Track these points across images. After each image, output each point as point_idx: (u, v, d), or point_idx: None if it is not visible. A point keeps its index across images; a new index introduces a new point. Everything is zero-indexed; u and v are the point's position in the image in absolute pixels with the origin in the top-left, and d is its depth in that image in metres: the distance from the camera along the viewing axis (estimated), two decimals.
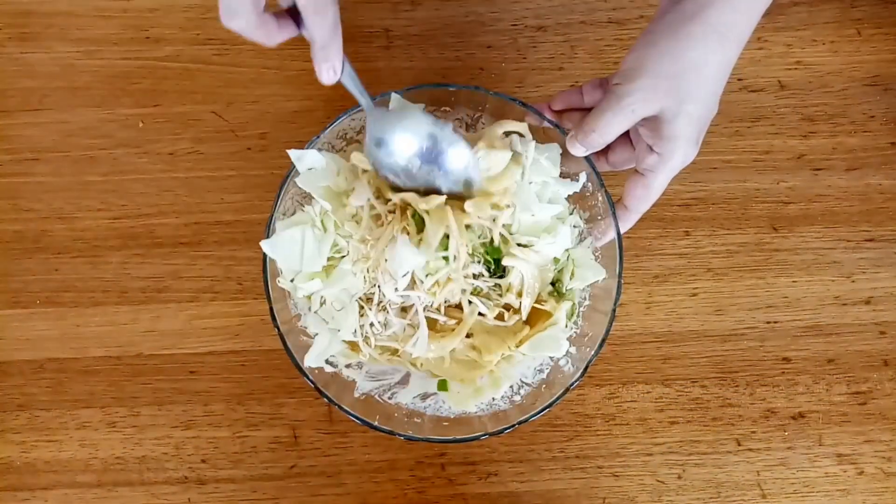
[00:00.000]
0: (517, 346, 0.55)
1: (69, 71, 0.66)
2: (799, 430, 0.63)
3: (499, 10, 0.67)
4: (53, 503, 0.62)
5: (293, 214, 0.56)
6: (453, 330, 0.54)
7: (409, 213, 0.52)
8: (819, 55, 0.67)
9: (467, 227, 0.52)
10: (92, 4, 0.67)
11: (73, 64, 0.66)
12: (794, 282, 0.65)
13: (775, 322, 0.65)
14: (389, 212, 0.53)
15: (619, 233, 0.53)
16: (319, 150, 0.54)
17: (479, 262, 0.54)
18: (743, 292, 0.65)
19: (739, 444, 0.63)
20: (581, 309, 0.57)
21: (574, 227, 0.57)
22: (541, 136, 0.56)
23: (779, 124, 0.67)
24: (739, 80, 0.67)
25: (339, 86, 0.66)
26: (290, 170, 0.53)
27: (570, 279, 0.56)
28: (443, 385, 0.56)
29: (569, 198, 0.57)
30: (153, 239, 0.64)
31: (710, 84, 0.49)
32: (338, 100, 0.66)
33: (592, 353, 0.53)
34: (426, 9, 0.67)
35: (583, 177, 0.55)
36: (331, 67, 0.46)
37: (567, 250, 0.57)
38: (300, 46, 0.66)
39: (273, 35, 0.43)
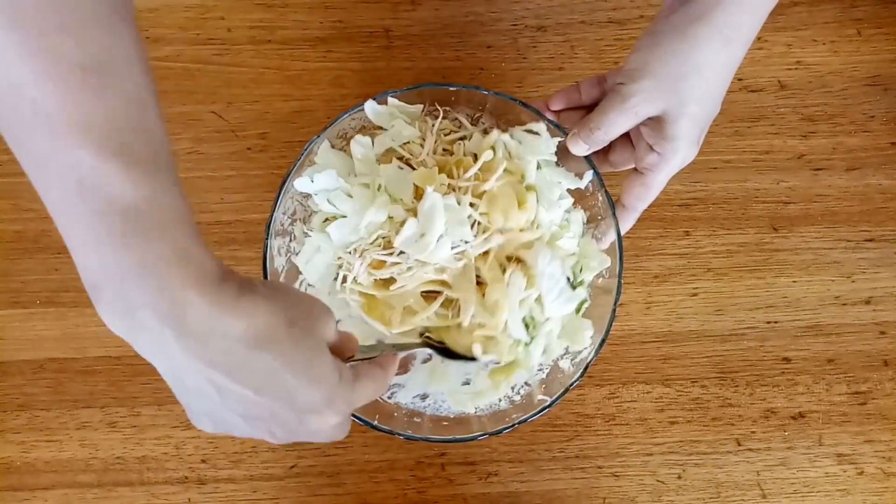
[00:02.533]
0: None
1: None
2: (799, 430, 0.63)
3: (499, 10, 0.67)
4: (53, 503, 0.62)
5: (293, 213, 0.56)
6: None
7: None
8: (819, 55, 0.67)
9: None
10: None
11: None
12: (794, 282, 0.65)
13: (775, 322, 0.65)
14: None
15: (619, 232, 0.53)
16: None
17: None
18: (743, 292, 0.65)
19: (739, 444, 0.63)
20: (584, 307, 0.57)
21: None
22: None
23: (779, 124, 0.67)
24: (739, 80, 0.67)
25: (339, 84, 0.66)
26: (290, 169, 0.53)
27: (581, 271, 0.56)
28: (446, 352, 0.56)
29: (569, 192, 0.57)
30: None
31: (714, 85, 0.49)
32: (338, 99, 0.66)
33: (593, 352, 0.53)
34: (426, 9, 0.67)
35: (588, 175, 0.55)
36: None
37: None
38: (300, 46, 0.67)
39: None
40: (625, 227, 0.54)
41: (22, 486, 0.62)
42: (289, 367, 0.35)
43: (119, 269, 0.32)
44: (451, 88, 0.55)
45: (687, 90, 0.48)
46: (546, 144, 0.54)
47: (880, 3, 0.68)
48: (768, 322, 0.65)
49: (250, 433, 0.37)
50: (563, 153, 0.56)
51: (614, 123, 0.49)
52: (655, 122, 0.49)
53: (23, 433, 0.62)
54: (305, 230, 0.57)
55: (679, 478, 0.63)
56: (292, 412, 0.36)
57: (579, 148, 0.52)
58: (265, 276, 0.53)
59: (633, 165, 0.54)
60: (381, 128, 0.57)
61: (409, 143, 0.57)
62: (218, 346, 0.33)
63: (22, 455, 0.62)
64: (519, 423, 0.53)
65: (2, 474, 0.62)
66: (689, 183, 0.66)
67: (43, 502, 0.62)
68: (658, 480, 0.63)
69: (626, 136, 0.54)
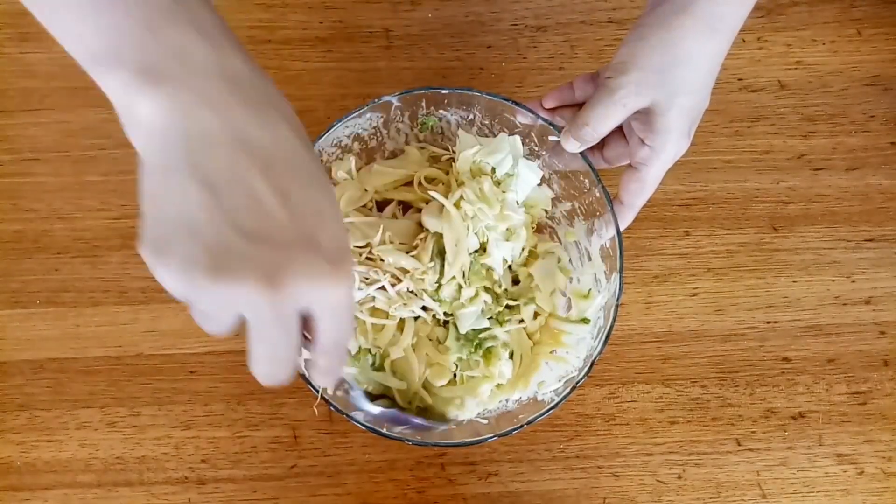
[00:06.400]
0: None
1: (69, 71, 0.66)
2: (799, 430, 0.63)
3: (499, 10, 0.67)
4: (53, 503, 0.62)
5: None
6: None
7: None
8: (819, 55, 0.67)
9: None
10: None
11: (73, 64, 0.65)
12: (794, 282, 0.65)
13: (775, 322, 0.65)
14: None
15: (618, 228, 0.53)
16: None
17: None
18: (743, 292, 0.65)
19: (739, 444, 0.63)
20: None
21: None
22: (536, 133, 0.57)
23: (779, 124, 0.67)
24: (739, 80, 0.67)
25: (340, 85, 0.66)
26: None
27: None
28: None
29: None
30: None
31: (701, 76, 0.49)
32: (338, 99, 0.66)
33: (597, 349, 0.53)
34: (426, 9, 0.67)
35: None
36: (331, 381, 0.39)
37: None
38: (300, 47, 0.67)
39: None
40: (624, 223, 0.54)
41: (22, 486, 0.62)
42: (302, 161, 0.32)
43: (138, 20, 0.29)
44: (444, 91, 0.55)
45: (674, 81, 0.48)
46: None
47: (880, 3, 0.68)
48: (768, 322, 0.65)
49: (245, 257, 0.30)
50: (558, 151, 0.56)
51: (603, 118, 0.49)
52: (645, 116, 0.50)
53: (23, 433, 0.62)
54: None
55: (679, 478, 0.63)
56: (299, 215, 0.31)
57: (571, 145, 0.52)
58: None
59: (628, 161, 0.54)
60: (373, 139, 0.58)
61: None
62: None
63: (22, 455, 0.62)
64: (527, 423, 0.53)
65: (2, 474, 0.62)
66: (689, 183, 0.66)
67: (43, 502, 0.62)
68: (658, 480, 0.63)
69: (619, 132, 0.54)
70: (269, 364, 0.34)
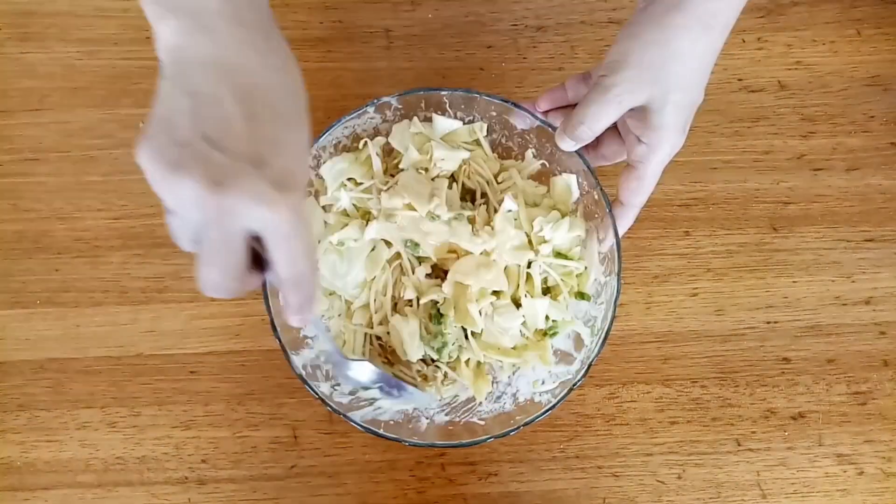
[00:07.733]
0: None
1: (69, 71, 0.66)
2: (799, 430, 0.63)
3: (499, 10, 0.68)
4: (53, 503, 0.62)
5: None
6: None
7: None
8: (819, 55, 0.67)
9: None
10: (92, 4, 0.67)
11: (73, 64, 0.66)
12: (794, 282, 0.65)
13: (775, 322, 0.65)
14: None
15: (616, 230, 0.53)
16: None
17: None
18: (743, 292, 0.65)
19: (739, 444, 0.63)
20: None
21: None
22: (535, 135, 0.56)
23: (779, 124, 0.67)
24: (739, 80, 0.67)
25: (340, 85, 0.66)
26: None
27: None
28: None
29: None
30: (153, 239, 0.64)
31: (696, 72, 0.49)
32: (338, 100, 0.66)
33: (595, 350, 0.53)
34: (426, 9, 0.67)
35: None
36: (304, 320, 0.41)
37: None
38: (300, 47, 0.67)
39: (250, 286, 0.39)
40: (625, 224, 0.54)
41: (22, 486, 0.62)
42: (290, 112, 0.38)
43: None
44: (443, 92, 0.55)
45: (669, 78, 0.48)
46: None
47: (880, 3, 0.68)
48: (768, 322, 0.65)
49: (199, 157, 0.34)
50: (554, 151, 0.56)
51: (597, 116, 0.50)
52: (640, 113, 0.50)
53: (23, 433, 0.62)
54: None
55: (679, 478, 0.63)
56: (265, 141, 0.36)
57: (567, 144, 0.52)
58: (265, 290, 0.52)
59: (624, 158, 0.54)
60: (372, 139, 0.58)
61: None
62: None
63: (22, 455, 0.62)
64: (524, 424, 0.53)
65: (2, 474, 0.62)
66: (689, 183, 0.66)
67: (43, 502, 0.62)
68: (658, 480, 0.63)
69: (614, 129, 0.54)
70: (211, 272, 0.36)
